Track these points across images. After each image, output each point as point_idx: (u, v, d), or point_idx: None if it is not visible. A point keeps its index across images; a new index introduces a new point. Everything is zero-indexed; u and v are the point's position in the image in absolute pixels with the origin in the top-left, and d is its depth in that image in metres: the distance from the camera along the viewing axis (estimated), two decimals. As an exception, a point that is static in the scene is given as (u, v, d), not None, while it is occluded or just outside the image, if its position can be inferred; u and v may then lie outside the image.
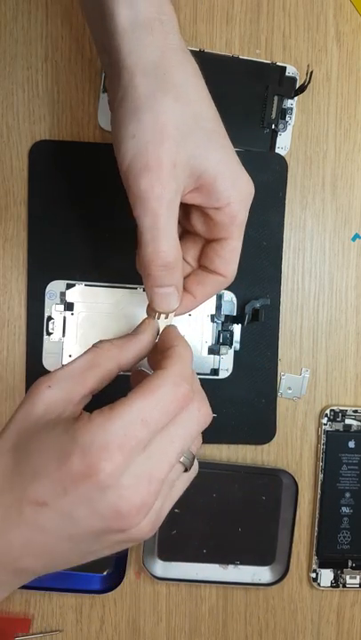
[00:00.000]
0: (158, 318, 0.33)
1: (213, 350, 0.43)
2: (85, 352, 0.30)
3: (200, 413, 0.29)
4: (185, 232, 0.36)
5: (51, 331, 0.42)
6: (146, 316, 0.34)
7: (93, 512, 0.26)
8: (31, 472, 0.27)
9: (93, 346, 0.30)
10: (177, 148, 0.30)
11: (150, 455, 0.27)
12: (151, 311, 0.33)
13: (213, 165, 0.31)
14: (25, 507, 0.26)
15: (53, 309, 0.42)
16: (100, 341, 0.31)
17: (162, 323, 0.33)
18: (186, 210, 0.34)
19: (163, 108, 0.29)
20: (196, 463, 0.31)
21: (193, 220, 0.34)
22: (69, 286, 0.42)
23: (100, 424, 0.26)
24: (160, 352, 0.31)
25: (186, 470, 0.30)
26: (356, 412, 0.45)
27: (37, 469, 0.26)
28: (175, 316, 0.34)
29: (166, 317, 0.33)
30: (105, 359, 0.30)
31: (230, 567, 0.45)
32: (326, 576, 0.45)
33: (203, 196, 0.32)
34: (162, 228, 0.30)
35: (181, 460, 0.29)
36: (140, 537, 0.28)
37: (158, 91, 0.29)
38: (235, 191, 0.32)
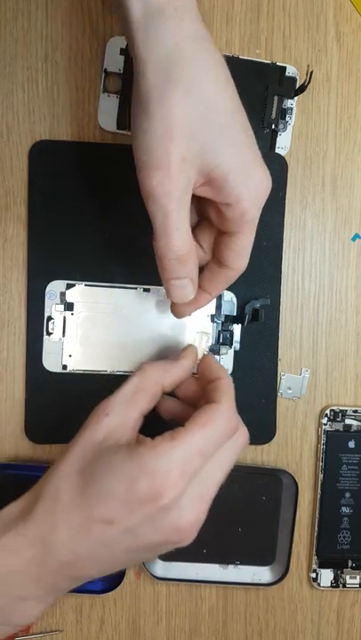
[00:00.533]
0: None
1: (213, 350, 0.43)
2: (132, 376, 0.34)
3: (242, 439, 0.33)
4: (202, 219, 0.36)
5: (51, 331, 0.42)
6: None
7: (155, 529, 0.30)
8: (99, 493, 0.30)
9: (139, 369, 0.34)
10: (187, 143, 0.30)
11: (202, 479, 0.31)
12: (175, 312, 0.37)
13: (225, 160, 0.31)
14: (93, 525, 0.30)
15: (53, 309, 0.42)
16: (145, 364, 0.34)
17: (199, 350, 0.38)
18: (201, 199, 0.34)
19: (173, 101, 0.29)
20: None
21: (207, 211, 0.34)
22: (69, 286, 0.42)
23: (163, 452, 0.30)
24: (206, 381, 0.35)
25: None
26: (356, 411, 0.45)
27: (105, 491, 0.30)
28: (190, 314, 0.37)
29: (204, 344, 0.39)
30: (151, 382, 0.34)
31: (230, 567, 0.45)
32: (326, 576, 0.45)
33: (213, 191, 0.32)
34: (173, 223, 0.31)
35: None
36: (190, 540, 0.32)
37: (168, 84, 0.29)
38: (246, 188, 0.31)
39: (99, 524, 0.30)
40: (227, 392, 0.33)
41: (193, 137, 0.30)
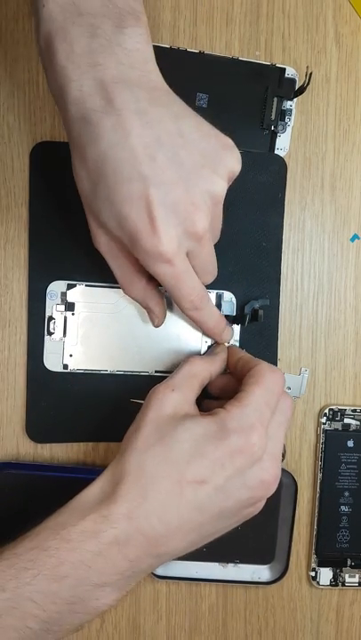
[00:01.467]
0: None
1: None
2: (181, 366, 0.37)
3: (289, 401, 0.36)
4: None
5: (52, 331, 0.42)
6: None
7: (243, 483, 0.32)
8: (187, 456, 0.32)
9: (186, 360, 0.37)
10: (90, 211, 0.34)
11: (271, 436, 0.34)
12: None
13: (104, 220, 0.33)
14: (185, 487, 0.31)
15: (54, 309, 0.42)
16: (191, 357, 0.38)
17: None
18: None
19: (74, 169, 0.33)
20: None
21: None
22: (70, 287, 0.43)
23: (240, 411, 0.33)
24: (245, 363, 0.38)
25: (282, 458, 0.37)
26: (354, 411, 0.45)
27: (194, 453, 0.32)
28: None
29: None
30: (201, 370, 0.37)
31: (230, 566, 0.45)
32: (325, 575, 0.46)
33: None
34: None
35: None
36: (259, 509, 0.35)
37: (71, 151, 0.33)
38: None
39: (191, 486, 0.31)
40: (263, 362, 0.37)
41: (92, 200, 0.33)
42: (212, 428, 0.32)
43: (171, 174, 0.31)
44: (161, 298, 0.39)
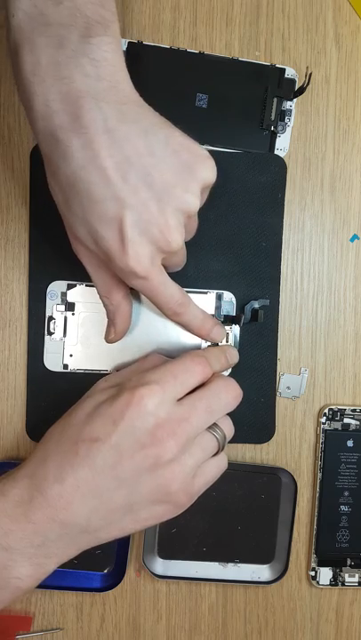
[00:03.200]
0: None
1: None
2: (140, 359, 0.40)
3: (224, 382, 0.36)
4: None
5: (52, 330, 0.43)
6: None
7: (135, 440, 0.32)
8: (85, 419, 0.33)
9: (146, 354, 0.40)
10: (66, 220, 0.34)
11: (182, 404, 0.33)
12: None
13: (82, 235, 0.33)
14: (80, 447, 0.32)
15: (54, 309, 0.42)
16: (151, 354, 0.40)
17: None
18: None
19: (48, 180, 0.34)
20: (224, 456, 0.37)
21: None
22: (70, 287, 0.43)
23: (140, 375, 0.34)
24: None
25: (217, 452, 0.36)
26: (354, 411, 0.45)
27: (91, 414, 0.33)
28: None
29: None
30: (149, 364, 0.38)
31: (230, 565, 0.45)
32: (325, 574, 0.46)
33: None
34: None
35: (214, 432, 0.35)
36: (176, 490, 0.33)
37: (44, 162, 0.33)
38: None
39: (84, 444, 0.32)
40: (206, 349, 0.39)
41: (69, 216, 0.33)
42: (111, 390, 0.34)
43: (143, 195, 0.30)
44: (129, 316, 0.38)
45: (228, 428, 0.37)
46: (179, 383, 0.34)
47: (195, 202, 0.32)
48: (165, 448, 0.32)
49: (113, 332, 0.38)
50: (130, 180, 0.30)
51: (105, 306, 0.37)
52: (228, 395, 0.36)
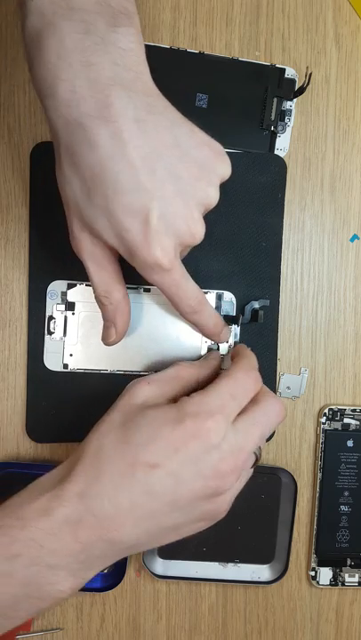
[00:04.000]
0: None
1: (212, 350, 0.44)
2: (169, 367, 0.37)
3: (277, 406, 0.35)
4: None
5: (52, 330, 0.43)
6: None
7: (197, 471, 0.31)
8: (143, 440, 0.31)
9: (174, 364, 0.37)
10: (78, 217, 0.33)
11: (238, 430, 0.33)
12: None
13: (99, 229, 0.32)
14: (137, 470, 0.31)
15: (54, 309, 0.43)
16: (178, 362, 0.37)
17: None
18: None
19: (60, 172, 0.32)
20: (251, 469, 0.36)
21: None
22: (70, 286, 0.43)
23: (201, 398, 0.33)
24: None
25: (254, 463, 0.35)
26: (354, 411, 0.45)
27: (150, 436, 0.31)
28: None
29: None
30: (186, 373, 0.36)
31: (230, 565, 0.45)
32: (325, 574, 0.46)
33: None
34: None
35: (255, 449, 0.34)
36: (223, 511, 0.34)
37: (58, 153, 0.32)
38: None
39: (143, 468, 0.30)
40: (243, 356, 0.37)
41: (78, 210, 0.32)
42: (171, 412, 0.32)
43: (170, 188, 0.30)
44: (128, 315, 0.37)
45: (264, 443, 0.37)
46: (237, 405, 0.33)
47: (216, 195, 0.33)
48: (226, 481, 0.32)
49: (114, 334, 0.37)
50: (157, 172, 0.30)
51: (103, 306, 0.36)
52: (278, 419, 0.35)
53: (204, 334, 0.40)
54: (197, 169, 0.31)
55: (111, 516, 0.30)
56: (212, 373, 0.38)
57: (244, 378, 0.35)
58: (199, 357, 0.43)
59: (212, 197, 0.32)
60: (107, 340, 0.38)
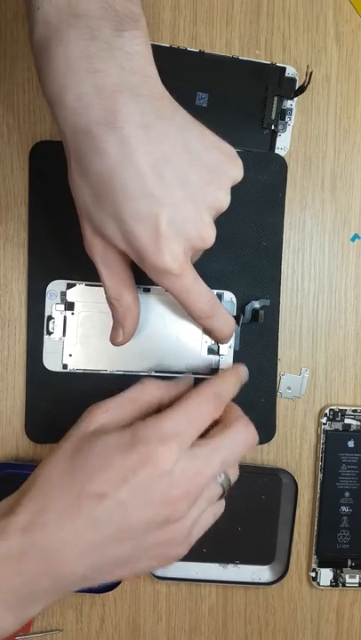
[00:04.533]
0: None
1: (213, 350, 0.43)
2: (133, 386, 0.36)
3: (245, 432, 0.34)
4: None
5: (51, 330, 0.42)
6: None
7: (147, 500, 0.30)
8: (91, 469, 0.30)
9: (140, 382, 0.36)
10: (89, 222, 0.33)
11: (196, 455, 0.32)
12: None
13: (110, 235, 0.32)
14: (83, 501, 0.29)
15: (54, 309, 0.42)
16: (146, 379, 0.36)
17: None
18: None
19: (71, 179, 0.32)
20: (223, 502, 0.36)
21: None
22: (70, 286, 0.42)
23: (155, 422, 0.31)
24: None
25: (221, 496, 0.34)
26: (355, 411, 0.45)
27: (99, 465, 0.30)
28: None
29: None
30: (149, 395, 0.35)
31: (230, 566, 0.45)
32: (326, 575, 0.45)
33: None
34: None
35: (220, 480, 0.34)
36: (181, 542, 0.32)
37: (69, 160, 0.32)
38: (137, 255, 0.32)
39: (90, 500, 0.29)
40: (209, 383, 0.35)
41: (91, 215, 0.32)
42: (123, 438, 0.31)
43: (179, 193, 0.30)
44: (137, 317, 0.37)
45: (235, 474, 0.35)
46: (194, 429, 0.32)
47: (227, 199, 0.32)
48: (177, 508, 0.31)
49: (121, 335, 0.37)
50: (166, 177, 0.30)
51: (113, 308, 0.36)
52: (246, 445, 0.34)
53: (216, 338, 0.40)
54: (207, 173, 0.31)
55: (56, 550, 0.29)
56: (179, 396, 0.36)
57: (204, 402, 0.34)
58: (199, 358, 0.43)
59: (223, 201, 0.32)
60: (114, 340, 0.38)
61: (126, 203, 0.30)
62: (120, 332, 0.37)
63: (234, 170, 0.32)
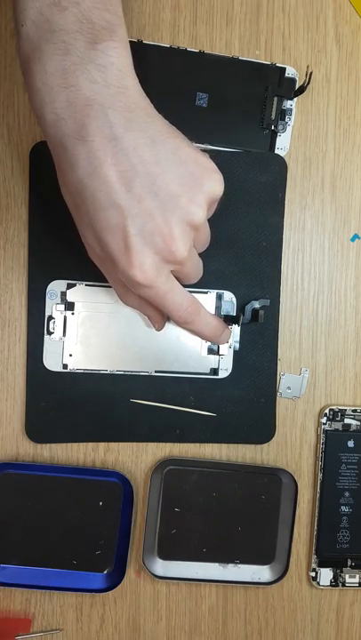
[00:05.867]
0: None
1: (213, 350, 0.43)
2: None
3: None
4: None
5: (51, 330, 0.42)
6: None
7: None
8: None
9: None
10: (78, 225, 0.33)
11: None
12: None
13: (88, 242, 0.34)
14: None
15: (54, 309, 0.42)
16: None
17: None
18: None
19: (63, 193, 0.33)
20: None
21: None
22: (70, 286, 0.42)
23: None
24: None
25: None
26: (355, 411, 0.45)
27: None
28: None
29: None
30: None
31: (230, 566, 0.45)
32: (326, 575, 0.45)
33: None
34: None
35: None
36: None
37: (56, 170, 0.33)
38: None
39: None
40: None
41: (78, 226, 0.33)
42: None
43: (147, 204, 0.30)
44: (160, 311, 0.38)
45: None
46: None
47: (199, 213, 0.32)
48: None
49: (155, 323, 0.40)
50: (134, 189, 0.30)
51: (130, 306, 0.38)
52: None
53: (203, 339, 0.40)
54: (179, 185, 0.31)
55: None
56: None
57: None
58: (199, 358, 0.43)
59: (195, 214, 0.32)
60: (155, 328, 0.41)
61: (97, 213, 0.31)
62: (151, 320, 0.40)
63: (210, 184, 0.32)
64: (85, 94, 0.29)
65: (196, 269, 0.36)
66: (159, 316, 0.39)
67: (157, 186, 0.30)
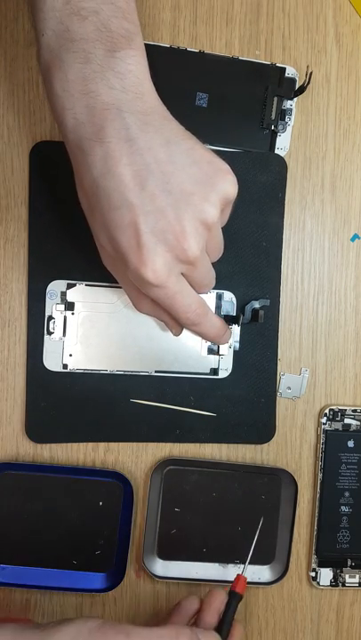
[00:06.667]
0: None
1: (213, 350, 0.43)
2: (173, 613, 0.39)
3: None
4: None
5: (51, 330, 0.42)
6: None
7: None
8: None
9: (177, 605, 0.39)
10: (92, 228, 0.34)
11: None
12: None
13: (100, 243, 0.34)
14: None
15: (54, 309, 0.42)
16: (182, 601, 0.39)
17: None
18: None
19: (80, 198, 0.34)
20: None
21: None
22: (70, 286, 0.42)
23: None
24: None
25: None
26: (355, 411, 0.45)
27: None
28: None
29: None
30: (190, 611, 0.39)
31: (230, 566, 0.45)
32: (326, 575, 0.45)
33: None
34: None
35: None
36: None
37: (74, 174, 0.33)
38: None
39: None
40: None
41: (92, 229, 0.34)
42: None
43: (160, 202, 0.31)
44: (168, 314, 0.37)
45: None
46: None
47: (212, 211, 0.32)
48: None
49: (172, 328, 0.39)
50: (147, 188, 0.30)
51: (144, 313, 0.37)
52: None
53: (205, 340, 0.41)
54: (192, 184, 0.31)
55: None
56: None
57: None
58: (199, 357, 0.43)
59: (208, 213, 0.32)
60: (172, 334, 0.40)
61: (110, 212, 0.31)
62: (168, 326, 0.39)
63: (223, 184, 0.32)
64: (104, 99, 0.31)
65: (207, 276, 0.36)
66: (175, 320, 0.38)
67: (171, 184, 0.31)
